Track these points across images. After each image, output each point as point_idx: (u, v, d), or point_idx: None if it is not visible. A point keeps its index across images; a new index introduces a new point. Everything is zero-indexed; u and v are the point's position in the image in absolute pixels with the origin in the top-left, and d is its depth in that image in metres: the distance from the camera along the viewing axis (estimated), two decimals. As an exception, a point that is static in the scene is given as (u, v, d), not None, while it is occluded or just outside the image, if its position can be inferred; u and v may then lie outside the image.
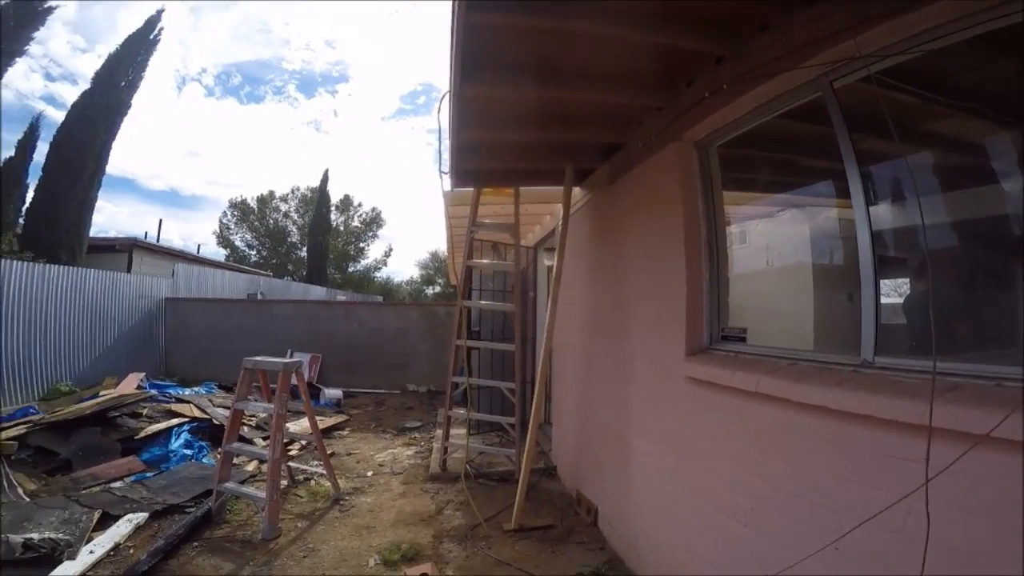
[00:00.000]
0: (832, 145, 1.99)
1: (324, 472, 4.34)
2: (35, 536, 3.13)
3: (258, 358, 4.05)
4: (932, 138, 2.29)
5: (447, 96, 2.73)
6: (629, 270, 3.41)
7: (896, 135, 1.71)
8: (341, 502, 4.18)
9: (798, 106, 2.20)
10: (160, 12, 14.78)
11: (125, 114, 13.86)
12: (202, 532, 3.52)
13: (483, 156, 3.66)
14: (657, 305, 2.99)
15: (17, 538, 3.07)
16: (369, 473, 4.97)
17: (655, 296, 3.04)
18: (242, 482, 4.34)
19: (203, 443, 5.21)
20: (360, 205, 33.77)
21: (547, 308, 3.92)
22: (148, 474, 4.47)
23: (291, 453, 5.43)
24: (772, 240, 3.33)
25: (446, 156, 3.41)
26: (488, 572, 3.10)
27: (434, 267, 33.42)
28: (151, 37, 14.51)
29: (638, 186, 3.30)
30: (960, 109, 2.13)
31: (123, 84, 13.76)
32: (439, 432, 6.09)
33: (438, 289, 33.06)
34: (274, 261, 30.82)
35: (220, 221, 31.55)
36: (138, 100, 16.54)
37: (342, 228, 32.93)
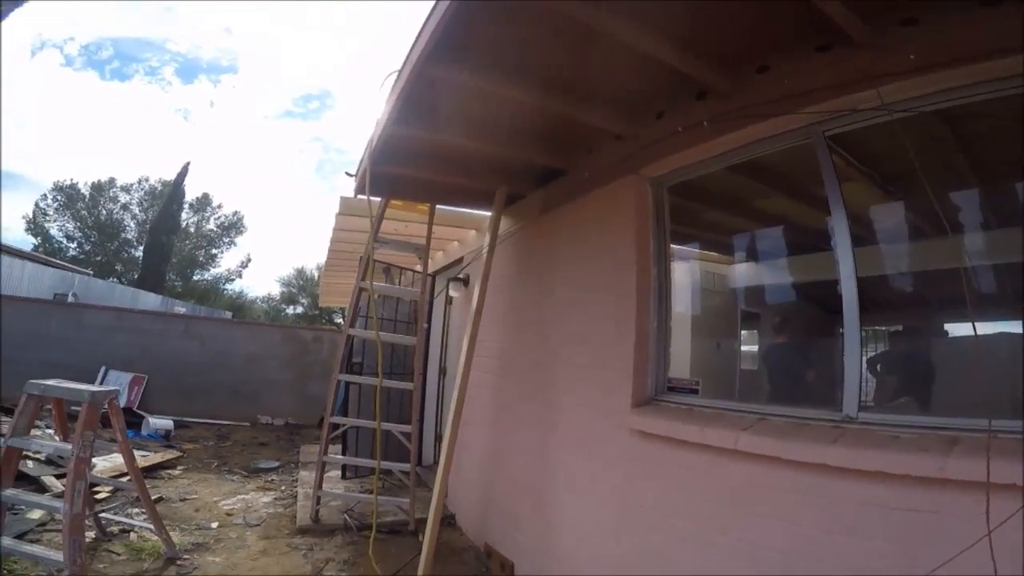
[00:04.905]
0: (794, 193, 1.96)
1: (149, 524, 3.28)
2: None
3: (50, 382, 2.99)
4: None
5: (394, 75, 2.28)
6: (561, 311, 3.14)
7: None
8: (178, 563, 3.18)
9: (773, 152, 2.17)
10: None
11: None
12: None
13: (408, 161, 3.19)
14: (595, 349, 2.76)
15: None
16: (214, 525, 3.92)
17: (593, 340, 2.80)
18: (22, 535, 3.16)
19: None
20: (220, 207, 30.15)
21: (463, 346, 3.44)
22: None
23: (98, 497, 4.13)
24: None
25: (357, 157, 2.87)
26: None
27: (298, 285, 30.54)
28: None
29: (580, 220, 3.08)
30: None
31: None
32: (303, 474, 5.20)
33: (300, 310, 30.23)
34: (99, 258, 26.06)
35: (36, 204, 26.06)
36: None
37: (192, 230, 29.04)
